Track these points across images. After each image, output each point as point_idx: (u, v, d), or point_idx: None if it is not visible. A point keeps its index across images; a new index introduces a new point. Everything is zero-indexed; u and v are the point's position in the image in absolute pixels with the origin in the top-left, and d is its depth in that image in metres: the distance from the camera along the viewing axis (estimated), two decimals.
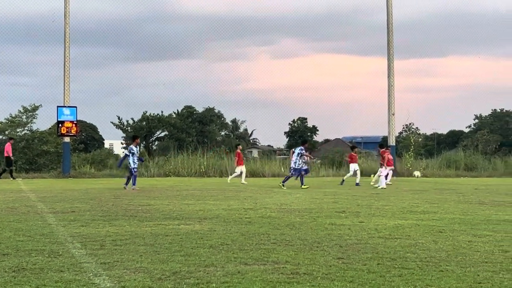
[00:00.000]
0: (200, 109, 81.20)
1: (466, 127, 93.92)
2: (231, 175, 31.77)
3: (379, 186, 25.91)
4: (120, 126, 72.86)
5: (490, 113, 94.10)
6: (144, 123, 72.44)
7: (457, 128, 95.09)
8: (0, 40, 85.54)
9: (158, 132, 74.67)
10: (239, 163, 30.71)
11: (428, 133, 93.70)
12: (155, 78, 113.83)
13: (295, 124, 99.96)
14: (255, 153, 79.85)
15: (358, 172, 29.12)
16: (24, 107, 41.48)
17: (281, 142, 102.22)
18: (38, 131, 41.74)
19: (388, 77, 42.41)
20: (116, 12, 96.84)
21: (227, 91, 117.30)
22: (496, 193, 22.50)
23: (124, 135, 74.13)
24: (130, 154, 24.02)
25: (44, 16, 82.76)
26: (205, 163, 41.56)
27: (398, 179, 27.91)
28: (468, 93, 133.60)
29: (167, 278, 6.82)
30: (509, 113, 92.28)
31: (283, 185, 25.14)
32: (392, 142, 41.95)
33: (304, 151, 26.29)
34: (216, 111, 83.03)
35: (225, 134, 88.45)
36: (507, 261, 7.90)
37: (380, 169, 27.35)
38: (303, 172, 25.93)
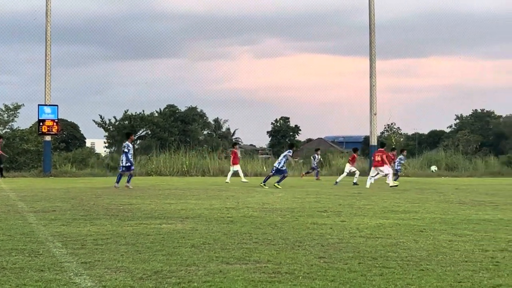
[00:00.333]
0: (182, 108, 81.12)
1: (447, 127, 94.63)
2: (241, 177, 30.65)
3: (390, 184, 25.78)
4: (102, 124, 72.52)
5: (471, 113, 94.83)
6: (127, 122, 72.16)
7: (438, 128, 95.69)
8: None
9: (140, 131, 74.44)
10: (234, 162, 30.65)
11: (410, 133, 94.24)
12: (137, 77, 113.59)
13: (278, 124, 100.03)
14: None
15: (357, 172, 29.72)
16: (5, 106, 41.20)
17: (263, 141, 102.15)
18: (19, 129, 41.44)
19: (370, 77, 42.59)
20: (99, 10, 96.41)
21: (210, 90, 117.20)
22: (477, 192, 22.69)
23: (106, 133, 73.79)
24: (127, 151, 23.98)
25: (26, 14, 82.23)
26: (187, 162, 41.53)
27: (380, 179, 28.06)
28: (449, 93, 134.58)
29: (148, 277, 6.80)
30: (489, 113, 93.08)
31: (264, 184, 25.25)
32: (373, 142, 42.16)
33: (291, 154, 26.65)
34: (199, 110, 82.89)
35: (208, 133, 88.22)
36: (486, 260, 7.97)
37: (381, 168, 26.77)
38: (285, 174, 26.24)
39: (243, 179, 30.01)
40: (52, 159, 39.10)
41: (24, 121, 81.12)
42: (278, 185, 25.14)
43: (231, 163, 31.06)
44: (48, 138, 38.08)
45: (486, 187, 27.16)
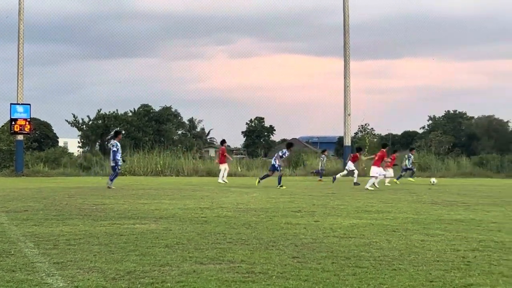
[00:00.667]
0: (156, 108, 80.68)
1: (420, 128, 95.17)
2: (219, 176, 30.03)
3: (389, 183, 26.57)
4: (75, 124, 71.96)
5: (443, 114, 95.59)
6: (101, 121, 71.65)
7: (411, 129, 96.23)
8: None
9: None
10: (221, 161, 30.13)
11: (383, 133, 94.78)
12: (111, 76, 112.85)
13: (252, 124, 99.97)
14: (212, 152, 79.60)
15: (356, 172, 29.39)
16: None
17: (238, 141, 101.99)
18: None
19: (344, 78, 42.84)
20: (72, 9, 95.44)
21: (184, 90, 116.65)
22: (449, 193, 22.92)
23: (80, 133, 73.21)
24: (116, 150, 23.79)
25: None
26: (161, 162, 41.36)
27: (360, 181, 28.15)
28: (422, 95, 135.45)
29: (121, 277, 6.77)
30: (461, 114, 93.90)
31: (280, 185, 25.20)
32: (347, 142, 42.40)
33: (287, 154, 26.85)
34: (173, 110, 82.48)
35: (182, 133, 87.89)
36: (458, 260, 8.06)
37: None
38: (281, 173, 26.38)
39: (220, 180, 29.12)
40: (25, 158, 38.71)
41: None
42: (280, 186, 25.13)
43: (218, 161, 30.63)
44: (20, 137, 37.70)
45: (458, 187, 27.45)
